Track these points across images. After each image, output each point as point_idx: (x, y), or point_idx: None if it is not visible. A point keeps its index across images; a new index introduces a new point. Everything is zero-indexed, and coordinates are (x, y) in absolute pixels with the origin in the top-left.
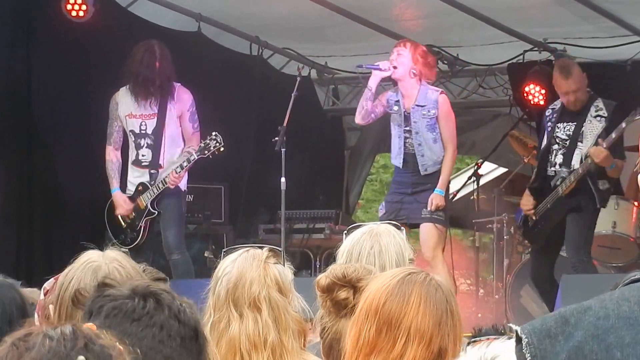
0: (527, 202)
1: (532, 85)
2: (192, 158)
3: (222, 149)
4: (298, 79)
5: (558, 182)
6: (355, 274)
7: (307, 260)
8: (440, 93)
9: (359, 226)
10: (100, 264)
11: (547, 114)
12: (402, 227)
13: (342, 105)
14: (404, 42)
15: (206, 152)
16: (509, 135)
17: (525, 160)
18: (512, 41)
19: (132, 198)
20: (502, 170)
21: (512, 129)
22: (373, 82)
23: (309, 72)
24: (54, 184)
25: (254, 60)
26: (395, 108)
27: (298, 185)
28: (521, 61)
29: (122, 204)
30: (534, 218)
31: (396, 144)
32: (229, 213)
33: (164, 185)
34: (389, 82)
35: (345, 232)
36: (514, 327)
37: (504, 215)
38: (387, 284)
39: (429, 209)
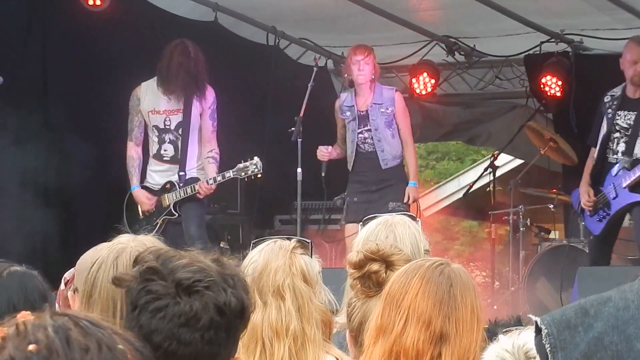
0: (587, 193)
1: (548, 77)
2: (227, 175)
3: (259, 176)
4: (315, 69)
5: (621, 173)
6: (388, 250)
7: (323, 251)
8: (395, 91)
9: (374, 217)
10: (125, 246)
11: (605, 100)
12: (417, 218)
13: None
14: (366, 51)
15: (243, 174)
16: (526, 126)
17: (542, 152)
18: (529, 32)
19: (157, 193)
20: (519, 161)
21: (529, 120)
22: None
23: (326, 63)
24: (69, 174)
25: (271, 50)
26: (348, 113)
27: (314, 176)
28: (538, 52)
29: (145, 201)
30: (591, 210)
31: (350, 148)
32: (244, 204)
33: (192, 192)
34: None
35: (361, 223)
36: (534, 318)
37: (520, 207)
38: (401, 270)
39: (405, 201)
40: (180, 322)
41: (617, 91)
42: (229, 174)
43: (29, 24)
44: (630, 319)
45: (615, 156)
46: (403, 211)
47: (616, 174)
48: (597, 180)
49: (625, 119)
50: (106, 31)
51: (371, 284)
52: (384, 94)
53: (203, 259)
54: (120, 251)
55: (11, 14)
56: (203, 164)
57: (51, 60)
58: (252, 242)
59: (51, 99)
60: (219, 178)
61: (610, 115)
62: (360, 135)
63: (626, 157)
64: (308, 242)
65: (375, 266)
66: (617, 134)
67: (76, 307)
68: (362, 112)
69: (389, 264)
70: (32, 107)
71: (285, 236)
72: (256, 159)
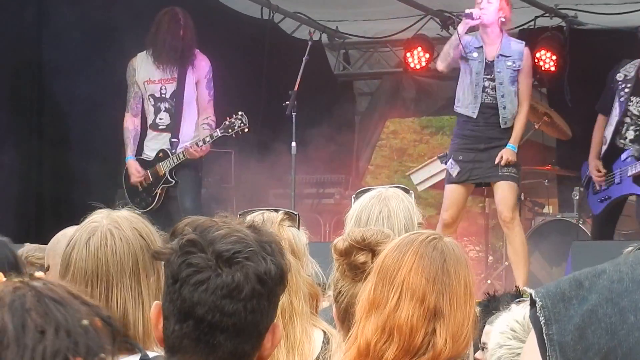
0: (598, 168)
1: (543, 52)
2: (215, 135)
3: (246, 130)
4: (309, 43)
5: (629, 160)
6: (374, 237)
7: (317, 225)
8: (525, 46)
9: (367, 190)
10: (98, 225)
11: (618, 78)
12: (410, 191)
13: (352, 70)
14: None
15: (230, 131)
16: None
17: (536, 127)
18: (523, 7)
19: (152, 163)
20: None
21: None
22: (462, 30)
23: (320, 37)
24: (64, 144)
25: (265, 24)
26: (475, 55)
27: (308, 150)
28: (532, 27)
29: (134, 172)
30: (601, 186)
31: (470, 92)
32: (239, 177)
33: (184, 157)
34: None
35: (354, 196)
36: (529, 290)
37: None
38: (393, 244)
39: (497, 161)
40: (223, 294)
41: (630, 70)
42: (217, 133)
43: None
44: (624, 291)
45: (623, 141)
46: (514, 177)
47: (624, 160)
48: (607, 162)
49: (637, 105)
50: (101, 6)
51: (357, 271)
52: (513, 46)
53: (240, 228)
54: (93, 230)
55: None
56: (199, 131)
57: (46, 37)
58: (239, 213)
59: (46, 73)
60: (208, 139)
61: (623, 100)
62: (483, 82)
63: (636, 145)
64: (295, 214)
65: (361, 257)
66: (628, 119)
67: None
68: (487, 60)
69: (375, 253)
70: (28, 82)
71: (273, 208)
72: (241, 113)
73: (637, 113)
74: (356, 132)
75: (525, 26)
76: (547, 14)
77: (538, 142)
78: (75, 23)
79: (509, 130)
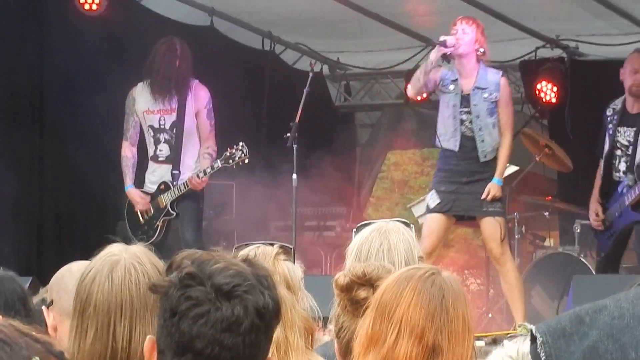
0: (594, 211)
1: (544, 83)
2: (215, 165)
3: (246, 161)
4: (310, 74)
5: (625, 191)
6: (375, 272)
7: (318, 257)
8: (502, 75)
9: (368, 224)
10: (119, 258)
11: (607, 113)
12: (411, 224)
13: (354, 101)
14: (467, 19)
15: (230, 161)
16: (521, 133)
17: (537, 159)
18: (524, 38)
19: (154, 196)
20: (514, 168)
21: (524, 126)
22: (434, 57)
23: (321, 68)
24: (65, 177)
25: (266, 55)
26: (452, 87)
27: (309, 182)
28: (533, 58)
29: (138, 200)
30: (601, 229)
31: (450, 124)
32: (240, 209)
33: (185, 188)
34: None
35: (355, 229)
36: (529, 326)
37: (515, 214)
38: (391, 278)
39: (483, 197)
40: (223, 328)
41: (617, 104)
42: (217, 163)
43: (26, 28)
44: (625, 327)
45: (618, 174)
46: (499, 212)
47: (621, 192)
48: (606, 197)
49: (625, 135)
50: (103, 35)
51: (359, 307)
52: (489, 77)
53: (237, 262)
54: (115, 263)
55: (7, 18)
56: (200, 161)
57: (48, 65)
58: (235, 247)
59: (47, 102)
60: (208, 170)
61: (611, 132)
62: (461, 115)
63: (629, 174)
64: (290, 248)
65: (362, 293)
66: (618, 152)
67: (50, 321)
68: (464, 93)
69: (376, 289)
70: (28, 111)
71: (268, 242)
72: (241, 144)
73: (625, 143)
74: (357, 163)
75: (526, 57)
76: (548, 45)
77: (539, 174)
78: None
79: (490, 163)
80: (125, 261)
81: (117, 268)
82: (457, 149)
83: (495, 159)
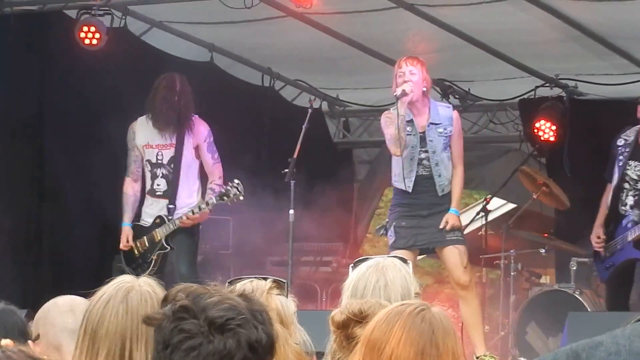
0: (598, 234)
1: (542, 121)
2: (210, 202)
3: (241, 198)
4: (309, 111)
5: (629, 225)
6: (372, 310)
7: (314, 293)
8: (453, 109)
9: (365, 259)
10: (133, 285)
11: (618, 143)
12: (408, 261)
13: (352, 138)
14: (411, 59)
15: (225, 198)
16: (519, 170)
17: (535, 196)
18: (523, 77)
19: (149, 229)
20: (511, 206)
21: (522, 164)
22: (403, 110)
23: (320, 105)
24: (63, 211)
25: (266, 91)
26: (409, 129)
27: (306, 218)
28: (532, 97)
29: (123, 240)
30: (603, 254)
31: (407, 165)
32: (236, 244)
33: (180, 223)
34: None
35: (352, 265)
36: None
37: (511, 251)
38: (381, 314)
39: (442, 227)
40: None
41: (630, 136)
42: (212, 200)
43: (27, 63)
44: None
45: (624, 208)
46: (462, 240)
47: (625, 226)
48: (610, 229)
49: (635, 169)
50: (103, 71)
51: (355, 343)
52: (441, 112)
53: (232, 296)
54: (129, 289)
55: (9, 53)
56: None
57: (48, 99)
58: (228, 281)
59: (47, 138)
60: (203, 206)
61: (621, 164)
62: (419, 155)
63: (636, 210)
64: (284, 282)
65: (358, 330)
66: (627, 185)
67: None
68: (420, 132)
69: None
70: (27, 145)
71: (262, 276)
72: (237, 181)
73: (635, 177)
74: (355, 200)
75: (525, 96)
76: (547, 84)
77: (536, 211)
78: (74, 96)
79: (447, 195)
80: (140, 287)
81: (132, 294)
82: (410, 190)
83: (450, 191)
